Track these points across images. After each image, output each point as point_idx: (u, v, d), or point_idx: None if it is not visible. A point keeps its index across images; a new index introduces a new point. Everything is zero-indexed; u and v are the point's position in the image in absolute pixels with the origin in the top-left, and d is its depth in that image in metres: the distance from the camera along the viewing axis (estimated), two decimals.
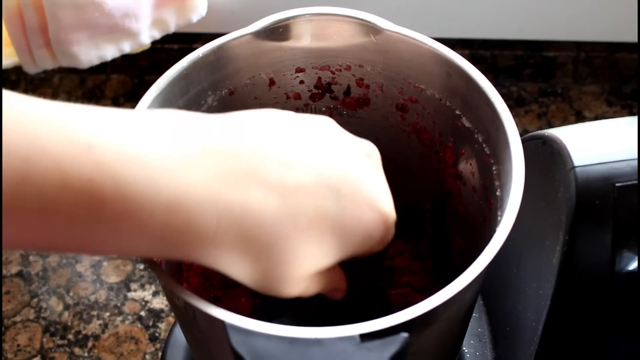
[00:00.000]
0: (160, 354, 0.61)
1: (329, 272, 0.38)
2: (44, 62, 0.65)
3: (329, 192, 0.34)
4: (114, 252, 0.32)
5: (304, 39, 0.47)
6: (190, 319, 0.39)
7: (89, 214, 0.29)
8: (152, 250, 0.32)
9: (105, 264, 0.69)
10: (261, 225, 0.33)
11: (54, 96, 0.81)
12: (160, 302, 0.66)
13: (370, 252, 0.39)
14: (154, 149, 0.31)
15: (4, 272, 0.68)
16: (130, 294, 0.67)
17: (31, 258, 0.69)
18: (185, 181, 0.31)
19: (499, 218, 0.39)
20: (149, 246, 0.32)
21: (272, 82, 0.49)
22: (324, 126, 0.37)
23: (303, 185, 0.33)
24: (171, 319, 0.65)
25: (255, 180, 0.32)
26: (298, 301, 0.48)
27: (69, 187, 0.28)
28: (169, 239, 0.31)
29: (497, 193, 0.42)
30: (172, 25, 0.68)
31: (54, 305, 0.66)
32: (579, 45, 0.79)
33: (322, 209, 0.34)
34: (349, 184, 0.35)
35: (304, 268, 0.35)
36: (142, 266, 0.68)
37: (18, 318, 0.66)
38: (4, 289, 0.67)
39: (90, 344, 0.64)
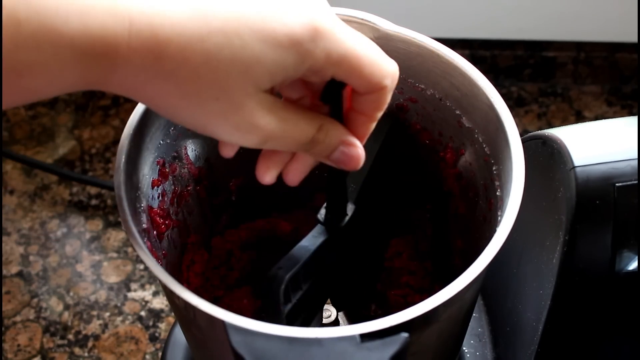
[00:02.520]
0: (160, 354, 0.61)
1: (308, 111, 0.36)
2: None
3: None
4: (44, 80, 0.31)
5: None
6: (190, 319, 0.39)
7: (8, 38, 0.29)
8: (77, 73, 0.32)
9: (105, 264, 0.69)
10: (173, 24, 0.31)
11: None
12: (160, 302, 0.66)
13: (363, 100, 0.36)
14: None
15: (4, 272, 0.68)
16: (130, 294, 0.67)
17: (31, 258, 0.69)
18: None
19: (499, 218, 0.39)
20: (72, 65, 0.31)
21: None
22: None
23: None
24: (171, 319, 0.65)
25: None
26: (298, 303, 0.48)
27: None
28: (87, 49, 0.31)
29: (497, 193, 0.42)
30: None
31: (54, 305, 0.66)
32: (579, 45, 0.79)
33: (236, 9, 0.32)
34: None
35: (242, 78, 0.32)
36: (142, 266, 0.68)
37: (18, 318, 0.66)
38: (4, 289, 0.67)
39: (90, 344, 0.64)
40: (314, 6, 0.34)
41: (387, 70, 0.36)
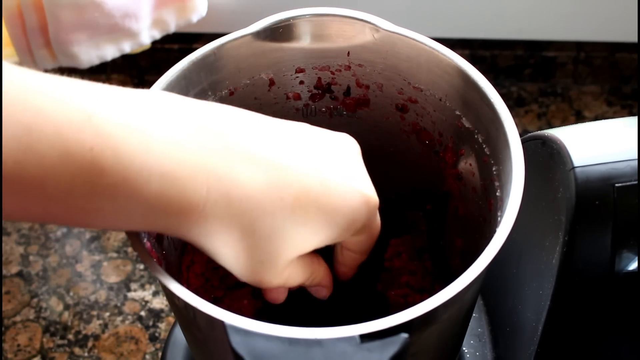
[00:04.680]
0: (160, 354, 0.61)
1: (312, 261, 0.40)
2: (44, 62, 0.66)
3: (313, 171, 0.35)
4: (109, 222, 0.33)
5: (304, 39, 0.47)
6: (190, 319, 0.39)
7: (87, 182, 0.30)
8: (145, 221, 0.33)
9: (105, 264, 0.69)
10: (248, 197, 0.34)
11: None
12: (160, 302, 0.66)
13: (359, 241, 0.40)
14: (152, 122, 0.32)
15: (4, 272, 0.68)
16: (130, 294, 0.67)
17: (31, 258, 0.69)
18: (180, 152, 0.32)
19: (499, 218, 0.39)
20: (143, 216, 0.32)
21: (272, 83, 0.49)
22: (304, 125, 0.38)
23: (289, 162, 0.35)
24: (171, 319, 0.65)
25: (245, 155, 0.34)
26: (299, 303, 0.48)
27: (70, 156, 0.29)
28: (162, 208, 0.32)
29: (497, 193, 0.42)
30: (172, 25, 0.68)
31: (54, 305, 0.66)
32: (579, 45, 0.79)
33: (306, 185, 0.35)
34: (332, 167, 0.36)
35: (289, 246, 0.36)
36: (142, 266, 0.68)
37: (18, 318, 0.66)
38: (4, 289, 0.67)
39: (90, 344, 0.64)
40: (366, 179, 0.39)
41: (375, 222, 0.41)
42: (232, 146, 0.34)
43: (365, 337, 0.33)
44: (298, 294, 0.55)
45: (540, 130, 0.51)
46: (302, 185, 0.35)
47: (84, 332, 0.65)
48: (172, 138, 0.32)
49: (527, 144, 0.48)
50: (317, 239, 0.36)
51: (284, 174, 0.35)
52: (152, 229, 0.34)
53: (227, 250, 0.35)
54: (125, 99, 0.32)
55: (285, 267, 0.37)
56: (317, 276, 0.41)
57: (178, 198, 0.32)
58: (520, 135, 0.41)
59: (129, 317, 0.65)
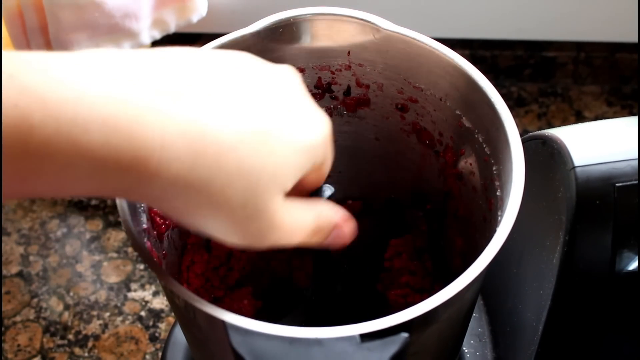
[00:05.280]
0: (160, 354, 0.61)
1: (309, 201, 0.37)
2: None
3: (266, 104, 0.33)
4: (53, 187, 0.30)
5: (304, 39, 0.47)
6: (190, 319, 0.39)
7: (18, 141, 0.27)
8: (96, 182, 0.30)
9: (105, 264, 0.69)
10: (204, 133, 0.30)
11: None
12: (160, 302, 0.66)
13: (316, 175, 0.37)
14: (83, 71, 0.29)
15: (4, 272, 0.68)
16: (130, 294, 0.67)
17: (31, 258, 0.69)
18: (119, 93, 0.29)
19: (499, 218, 0.39)
20: (90, 175, 0.29)
21: None
22: (244, 59, 0.35)
23: (240, 103, 0.32)
24: (171, 319, 0.65)
25: (193, 91, 0.31)
26: (301, 303, 0.48)
27: None
28: (111, 162, 0.29)
29: (498, 193, 0.42)
30: (172, 25, 0.68)
31: (54, 305, 0.66)
32: (579, 45, 0.79)
33: (263, 119, 0.32)
34: (282, 99, 0.34)
35: (265, 180, 0.32)
36: (142, 266, 0.68)
37: (18, 318, 0.66)
38: (4, 289, 0.67)
39: (90, 344, 0.64)
40: (315, 108, 0.36)
41: (328, 151, 0.37)
42: (183, 83, 0.31)
43: (366, 337, 0.33)
44: (298, 294, 0.55)
45: (540, 130, 0.51)
46: (257, 118, 0.32)
47: (84, 332, 0.65)
48: (108, 81, 0.29)
49: (528, 143, 0.47)
50: (289, 168, 0.33)
51: (241, 113, 0.32)
52: (107, 193, 0.31)
53: (204, 211, 0.32)
54: (48, 56, 0.29)
55: (276, 210, 0.33)
56: (324, 213, 0.37)
57: (127, 147, 0.29)
58: (520, 135, 0.41)
59: (129, 317, 0.65)
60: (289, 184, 0.34)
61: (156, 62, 0.32)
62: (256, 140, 0.32)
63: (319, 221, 0.37)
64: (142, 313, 0.66)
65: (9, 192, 0.29)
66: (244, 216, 0.32)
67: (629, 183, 0.43)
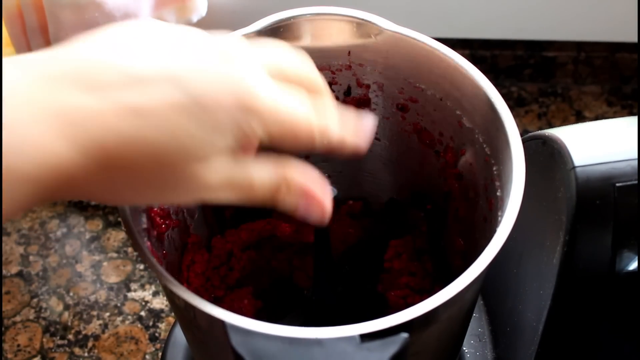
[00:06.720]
0: (160, 354, 0.61)
1: (277, 162, 0.35)
2: None
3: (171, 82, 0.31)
4: None
5: (304, 38, 0.47)
6: (190, 319, 0.39)
7: None
8: (24, 202, 0.29)
9: (105, 264, 0.69)
10: (110, 131, 0.30)
11: None
12: (160, 302, 0.66)
13: (282, 138, 0.34)
14: None
15: (4, 272, 0.68)
16: (130, 294, 0.67)
17: (31, 258, 0.69)
18: (12, 108, 0.28)
19: (499, 218, 0.39)
20: (21, 200, 0.29)
21: None
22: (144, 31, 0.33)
23: (143, 76, 0.31)
24: (171, 319, 0.65)
25: (86, 82, 0.30)
26: (301, 303, 0.48)
27: None
28: (43, 185, 0.29)
29: (498, 193, 0.42)
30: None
31: (54, 305, 0.66)
32: (579, 45, 0.79)
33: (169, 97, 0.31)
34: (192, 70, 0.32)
35: (187, 156, 0.31)
36: (142, 266, 0.68)
37: (18, 318, 0.66)
38: (4, 289, 0.67)
39: (90, 344, 0.64)
40: (237, 76, 0.33)
41: (316, 124, 0.35)
42: (70, 73, 0.30)
43: (366, 337, 0.33)
44: (298, 294, 0.55)
45: (540, 130, 0.51)
46: (158, 99, 0.31)
47: (84, 332, 0.65)
48: None
49: (528, 143, 0.47)
50: (203, 140, 0.32)
51: (144, 92, 0.30)
52: (33, 204, 0.30)
53: (134, 199, 0.33)
54: None
55: (206, 181, 0.32)
56: (289, 175, 0.35)
57: (41, 163, 0.28)
58: (521, 135, 0.41)
59: (129, 317, 0.65)
60: (207, 153, 0.32)
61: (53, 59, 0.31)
62: (157, 122, 0.30)
63: (279, 180, 0.35)
64: (142, 313, 0.66)
65: None
66: (178, 192, 0.33)
67: (629, 183, 0.43)
